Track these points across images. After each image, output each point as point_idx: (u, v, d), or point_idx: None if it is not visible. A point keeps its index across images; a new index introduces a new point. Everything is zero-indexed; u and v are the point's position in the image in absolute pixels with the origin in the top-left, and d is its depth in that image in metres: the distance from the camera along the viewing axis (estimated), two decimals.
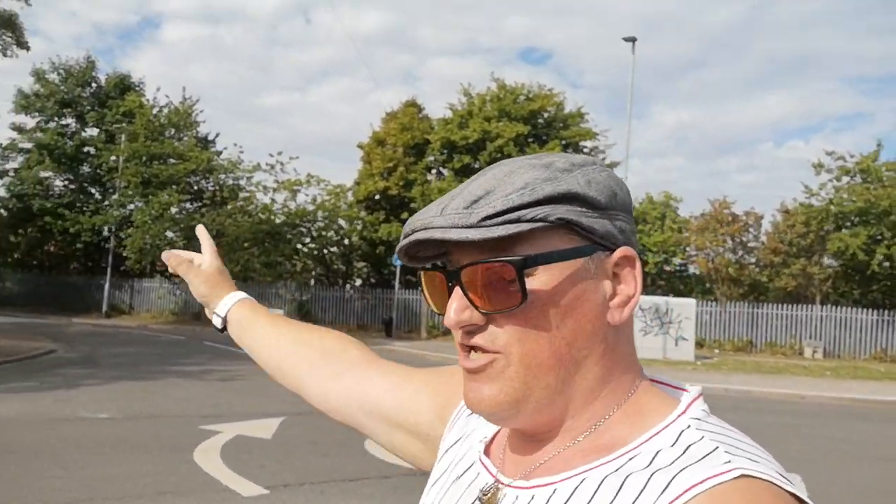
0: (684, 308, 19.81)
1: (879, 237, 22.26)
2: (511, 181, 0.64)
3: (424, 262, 0.71)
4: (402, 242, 0.67)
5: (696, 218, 25.40)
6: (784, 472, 0.58)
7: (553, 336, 0.64)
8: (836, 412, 11.96)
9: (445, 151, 25.62)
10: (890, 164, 22.51)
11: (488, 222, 0.61)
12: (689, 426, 0.63)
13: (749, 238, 23.75)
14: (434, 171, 25.50)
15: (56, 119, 31.84)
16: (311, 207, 29.00)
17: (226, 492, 5.65)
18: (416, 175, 25.64)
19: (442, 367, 0.96)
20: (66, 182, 32.41)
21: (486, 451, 0.77)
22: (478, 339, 0.65)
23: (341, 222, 28.18)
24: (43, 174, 31.19)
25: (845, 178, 23.27)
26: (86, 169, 32.59)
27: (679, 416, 0.65)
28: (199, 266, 1.22)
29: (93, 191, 32.87)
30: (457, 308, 0.64)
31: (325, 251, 29.12)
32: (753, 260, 24.21)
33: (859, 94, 73.90)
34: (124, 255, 30.00)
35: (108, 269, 30.05)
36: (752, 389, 13.86)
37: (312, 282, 31.32)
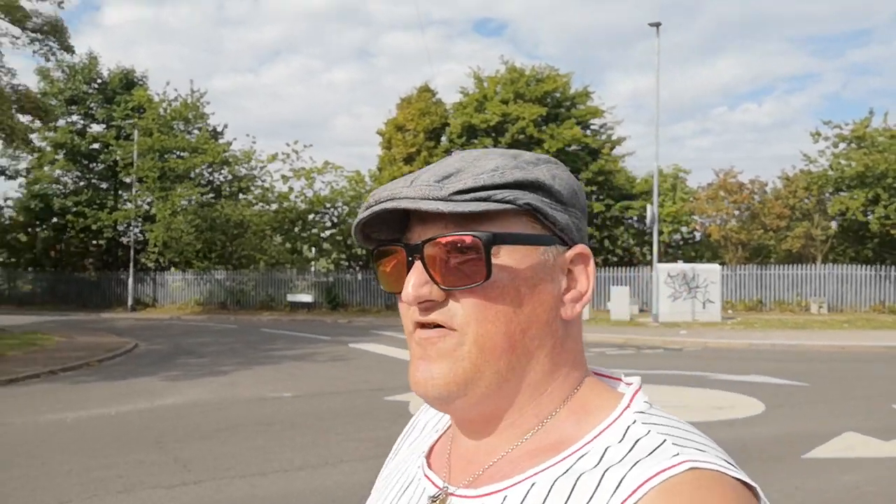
0: (710, 273, 21.40)
1: (875, 198, 24.12)
2: (480, 164, 0.65)
3: (377, 244, 0.70)
4: (365, 214, 0.66)
5: (704, 188, 26.98)
6: (729, 458, 0.59)
7: (510, 320, 0.64)
8: (879, 358, 13.58)
9: (464, 135, 26.60)
10: (882, 131, 24.31)
11: (458, 197, 0.62)
12: (634, 420, 0.64)
13: (755, 204, 25.40)
14: (454, 153, 26.49)
15: (64, 117, 31.85)
16: (325, 193, 29.83)
17: None
18: (438, 158, 26.63)
19: None
20: (81, 180, 32.55)
21: (428, 463, 0.76)
22: (435, 315, 0.64)
23: None
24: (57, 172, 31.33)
25: (842, 145, 25.03)
26: (98, 166, 32.76)
27: (623, 410, 0.65)
28: None
29: (105, 186, 33.06)
30: (415, 283, 0.64)
31: (346, 236, 29.99)
32: (760, 225, 25.90)
33: (808, 55, 76.61)
34: (148, 249, 30.50)
35: (132, 264, 30.49)
36: (799, 343, 15.46)
37: (334, 267, 32.26)
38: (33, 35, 18.82)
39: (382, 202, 0.64)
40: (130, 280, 30.58)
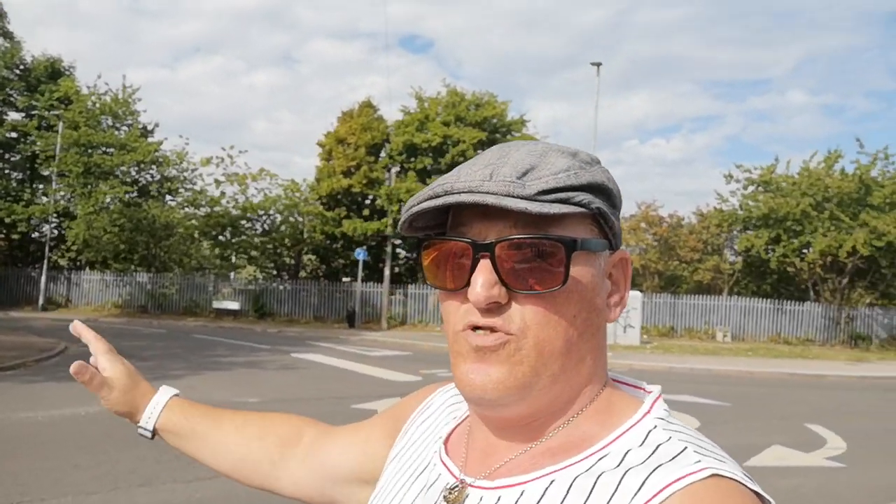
0: (632, 300, 22.80)
1: (777, 238, 26.42)
2: (551, 161, 0.64)
3: (416, 232, 0.68)
4: (435, 202, 0.62)
5: (626, 219, 28.69)
6: (746, 471, 0.60)
7: (570, 325, 0.64)
8: (783, 383, 15.08)
9: (405, 153, 27.21)
10: (786, 177, 26.73)
11: (542, 197, 0.60)
12: (655, 426, 0.64)
13: (672, 237, 27.28)
14: (395, 170, 27.03)
15: None
16: (257, 200, 29.62)
17: None
18: (377, 174, 27.08)
19: (390, 407, 0.94)
20: None
21: (446, 450, 0.76)
22: (496, 320, 0.63)
23: (297, 217, 29.06)
24: None
25: (751, 188, 27.32)
26: (14, 156, 31.15)
27: (644, 415, 0.66)
28: (108, 372, 1.08)
29: (20, 178, 31.45)
30: (485, 282, 0.61)
31: (277, 245, 29.85)
32: (675, 256, 27.80)
33: (712, 98, 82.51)
34: (65, 246, 29.25)
35: (45, 262, 29.13)
36: (713, 368, 16.87)
37: (260, 275, 31.92)
38: None
39: (457, 193, 0.61)
40: (43, 278, 29.18)
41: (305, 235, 29.38)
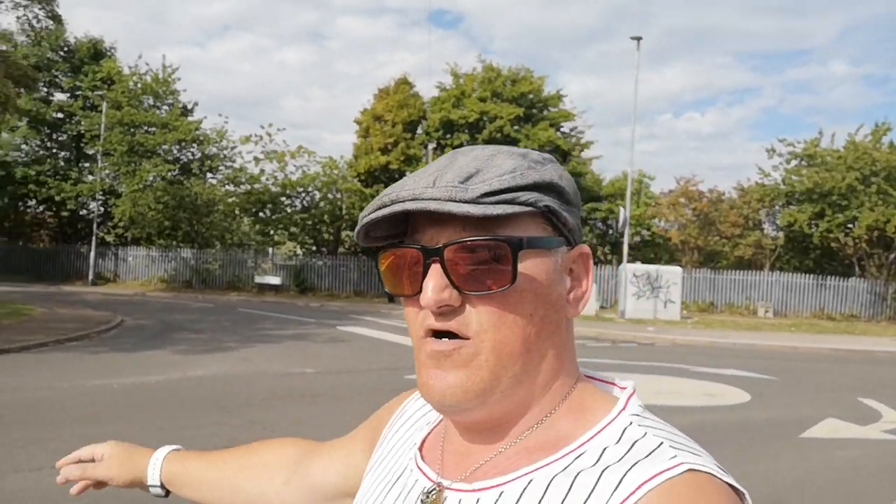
0: (672, 275, 22.74)
1: (821, 213, 25.96)
2: (497, 163, 0.64)
3: (376, 242, 0.68)
4: (383, 212, 0.63)
5: (665, 194, 28.42)
6: (719, 463, 0.61)
7: (526, 324, 0.64)
8: (827, 358, 14.98)
9: (441, 129, 27.24)
10: (830, 151, 26.16)
11: (486, 199, 0.61)
12: (630, 423, 0.65)
13: (712, 212, 26.99)
14: (432, 146, 27.12)
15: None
16: (296, 177, 30.00)
17: None
18: (415, 150, 27.21)
19: (370, 417, 0.95)
20: (42, 149, 31.71)
21: (421, 455, 0.76)
22: (451, 323, 0.63)
23: (336, 193, 29.39)
24: (16, 140, 30.47)
25: (794, 162, 26.81)
26: (61, 136, 31.97)
27: (620, 412, 0.66)
28: (101, 457, 1.12)
29: (67, 157, 32.28)
30: (435, 287, 0.62)
31: (317, 221, 30.25)
32: (716, 232, 27.52)
33: (749, 70, 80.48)
34: (114, 224, 30.05)
35: (94, 238, 29.99)
36: (756, 343, 16.80)
37: (299, 250, 32.44)
38: (17, 0, 18.49)
39: (402, 202, 0.63)
40: (92, 254, 30.07)
41: (344, 212, 29.71)
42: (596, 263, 28.80)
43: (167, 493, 1.11)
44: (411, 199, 0.62)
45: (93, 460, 1.13)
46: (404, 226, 0.68)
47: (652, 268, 23.11)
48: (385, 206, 0.64)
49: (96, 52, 32.28)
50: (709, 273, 27.25)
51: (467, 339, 0.64)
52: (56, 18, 18.78)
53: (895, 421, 7.95)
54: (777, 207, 27.15)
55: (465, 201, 0.61)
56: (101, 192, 30.65)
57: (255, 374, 9.58)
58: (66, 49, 31.91)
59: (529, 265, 0.64)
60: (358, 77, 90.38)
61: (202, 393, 8.06)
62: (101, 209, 31.61)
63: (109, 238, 32.46)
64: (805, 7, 77.95)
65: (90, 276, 30.04)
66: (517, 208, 0.62)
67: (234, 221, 30.74)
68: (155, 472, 1.10)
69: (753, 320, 24.12)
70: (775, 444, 6.61)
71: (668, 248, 28.74)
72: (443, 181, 0.62)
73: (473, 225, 0.63)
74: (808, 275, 27.03)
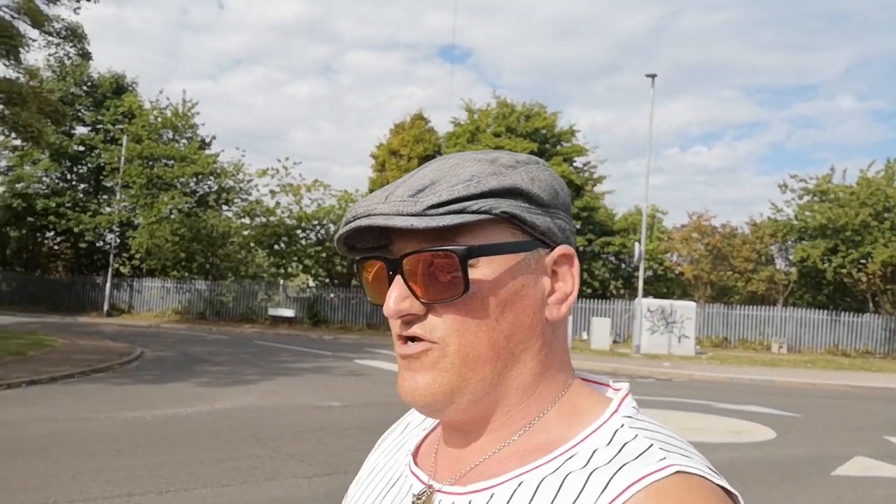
0: (686, 310, 22.77)
1: (834, 249, 26.03)
2: (456, 173, 0.65)
3: (363, 253, 0.71)
4: (343, 230, 0.66)
5: (677, 229, 28.56)
6: (712, 465, 0.61)
7: (492, 328, 0.65)
8: (846, 395, 14.93)
9: None
10: (843, 187, 26.33)
11: (433, 211, 0.62)
12: (622, 424, 0.65)
13: (725, 247, 27.10)
14: None
15: None
16: (311, 210, 30.34)
17: None
18: None
19: None
20: (62, 181, 32.27)
21: (415, 461, 0.77)
22: (416, 329, 0.65)
23: None
24: (38, 172, 31.04)
25: (806, 198, 26.98)
26: (81, 168, 32.54)
27: (612, 414, 0.66)
28: None
29: (87, 189, 32.80)
30: (397, 297, 0.64)
31: (331, 254, 30.48)
32: (729, 267, 27.60)
33: (756, 104, 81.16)
34: (130, 255, 30.38)
35: (110, 269, 30.32)
36: (774, 379, 16.77)
37: (311, 282, 32.63)
38: (50, 39, 19.05)
39: (359, 218, 0.65)
40: (108, 285, 30.36)
41: None
42: (608, 297, 29.18)
43: None
44: (365, 216, 0.64)
45: None
46: (387, 238, 0.69)
47: (666, 302, 23.15)
48: (349, 221, 0.66)
49: (118, 87, 33.04)
50: (722, 308, 27.25)
51: (434, 343, 0.65)
52: (86, 56, 19.29)
53: None
54: (790, 243, 27.24)
55: (412, 214, 0.62)
56: (118, 224, 31.08)
57: (284, 407, 9.68)
58: (89, 84, 32.67)
59: (488, 271, 0.65)
60: (368, 110, 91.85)
61: (234, 425, 8.17)
62: (118, 241, 32.01)
63: (124, 269, 32.80)
64: (812, 42, 78.99)
65: (105, 308, 30.29)
66: (467, 217, 0.63)
67: (250, 254, 31.04)
68: None
69: (768, 356, 24.04)
70: (808, 482, 6.65)
71: (681, 283, 28.80)
72: (394, 196, 0.64)
73: (433, 237, 0.64)
74: (821, 310, 26.98)
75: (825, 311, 26.80)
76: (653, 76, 22.15)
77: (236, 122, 71.91)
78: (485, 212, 0.64)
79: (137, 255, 29.88)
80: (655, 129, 74.66)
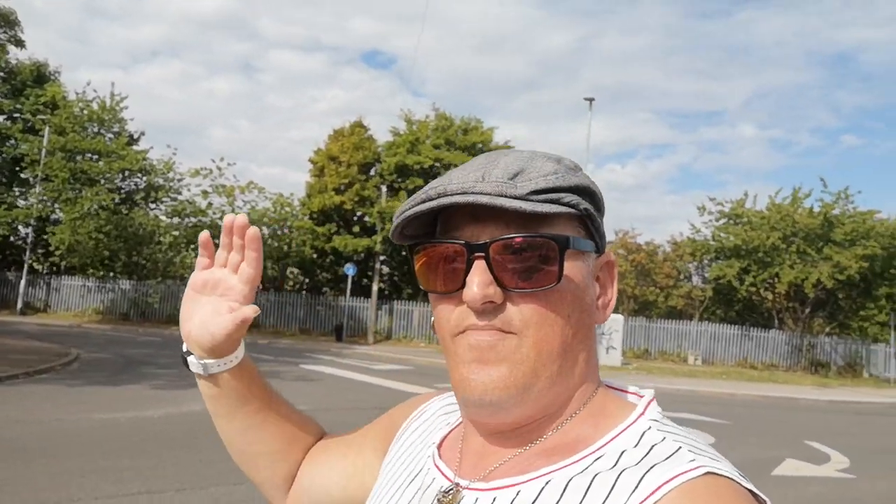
0: (614, 323, 23.96)
1: (747, 268, 28.02)
2: (538, 165, 0.64)
3: (406, 240, 0.68)
4: (429, 205, 0.62)
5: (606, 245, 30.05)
6: (741, 471, 0.61)
7: (565, 324, 0.64)
8: (760, 404, 16.27)
9: (395, 173, 28.01)
10: (754, 212, 28.40)
11: (535, 197, 0.61)
12: (649, 427, 0.65)
13: (649, 264, 28.68)
14: (385, 188, 27.77)
15: None
16: (243, 212, 29.90)
17: None
18: (369, 192, 27.76)
19: (379, 418, 0.94)
20: None
21: (439, 455, 0.76)
22: (495, 320, 0.63)
23: (286, 230, 29.48)
24: None
25: (722, 220, 28.94)
26: None
27: (638, 417, 0.67)
28: (230, 293, 0.85)
29: (3, 181, 31.05)
30: (480, 283, 0.62)
31: (264, 258, 30.14)
32: (651, 282, 29.19)
33: (668, 127, 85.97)
34: (48, 251, 28.99)
35: (26, 266, 28.85)
36: (697, 389, 18.00)
37: None
38: None
39: (451, 195, 0.62)
40: (23, 282, 28.84)
41: (292, 249, 29.77)
42: None
43: (209, 374, 0.89)
44: (460, 193, 0.62)
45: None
46: (433, 225, 0.68)
47: None
48: (431, 198, 0.63)
49: (39, 76, 31.46)
50: (644, 321, 28.76)
51: (510, 333, 0.63)
52: (19, 43, 18.48)
53: (842, 461, 8.98)
54: (706, 261, 29.18)
55: (516, 197, 0.61)
56: (35, 219, 29.60)
57: None
58: (6, 70, 30.96)
59: (570, 266, 0.64)
60: (289, 111, 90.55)
61: (211, 427, 8.21)
62: (33, 236, 30.46)
63: (38, 266, 31.22)
64: (721, 72, 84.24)
65: (19, 305, 28.75)
66: (561, 208, 0.63)
67: (179, 254, 30.23)
68: (236, 358, 0.88)
69: (686, 367, 25.60)
70: (756, 482, 7.43)
71: None
72: (492, 176, 0.62)
73: (517, 223, 0.63)
74: (732, 325, 28.94)
75: (736, 327, 28.76)
76: (590, 100, 23.32)
77: (150, 114, 69.32)
78: (573, 206, 0.64)
79: (58, 252, 28.54)
80: (572, 146, 77.44)
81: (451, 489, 0.69)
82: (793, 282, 25.86)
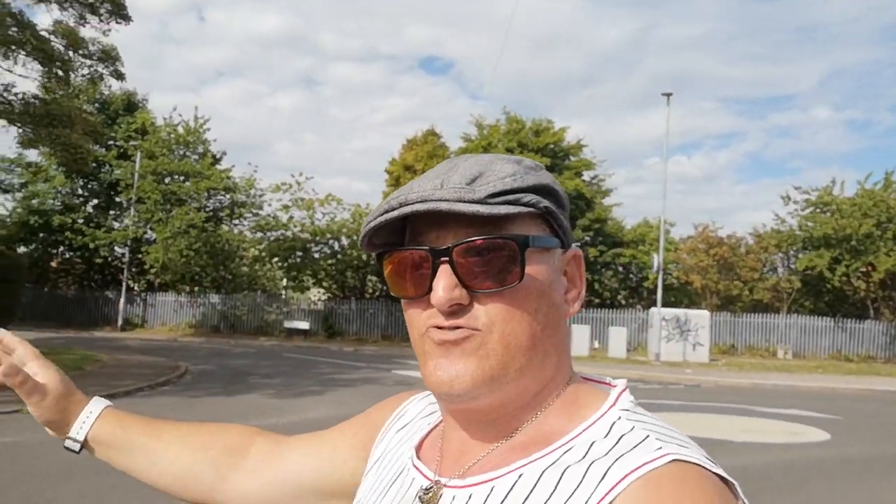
0: (700, 319, 23.57)
1: (838, 258, 27.02)
2: (497, 168, 0.67)
3: (375, 248, 0.70)
4: (391, 215, 0.65)
5: (685, 240, 29.46)
6: (708, 455, 0.61)
7: (532, 319, 0.66)
8: (866, 398, 15.72)
9: None
10: (845, 199, 27.37)
11: (492, 200, 0.63)
12: (619, 417, 0.66)
13: (732, 257, 28.02)
14: None
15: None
16: (322, 224, 30.86)
17: None
18: None
19: (355, 417, 0.94)
20: (76, 197, 32.48)
21: (417, 455, 0.77)
22: (461, 320, 0.65)
23: None
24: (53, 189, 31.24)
25: (809, 209, 28.01)
26: (94, 185, 32.79)
27: (610, 407, 0.68)
28: (39, 383, 0.95)
29: (100, 205, 33.03)
30: (446, 286, 0.64)
31: (345, 267, 30.98)
32: (735, 276, 28.50)
33: (734, 115, 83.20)
34: (144, 269, 30.65)
35: (124, 284, 30.56)
36: (795, 384, 17.54)
37: (325, 296, 33.06)
38: (83, 61, 19.46)
39: (411, 204, 0.64)
40: (122, 300, 30.57)
41: (371, 258, 30.46)
42: (618, 307, 29.91)
43: (81, 449, 0.99)
44: (421, 202, 0.64)
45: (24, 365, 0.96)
46: (402, 233, 0.70)
47: (681, 312, 23.95)
48: (393, 208, 0.65)
49: (129, 104, 33.35)
50: (729, 316, 28.11)
51: (476, 330, 0.66)
52: (120, 76, 19.68)
53: None
54: (792, 252, 28.29)
55: (474, 201, 0.63)
56: (131, 240, 31.34)
57: None
58: (101, 101, 32.93)
59: (533, 264, 0.67)
60: (350, 122, 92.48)
61: None
62: (129, 256, 32.26)
63: (134, 284, 33.00)
64: (787, 54, 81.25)
65: (119, 322, 30.47)
66: (521, 209, 0.65)
67: (263, 267, 31.44)
68: (84, 427, 0.97)
69: (776, 362, 24.88)
70: (887, 478, 7.32)
71: (688, 293, 29.64)
72: (450, 183, 0.65)
73: (479, 225, 0.65)
74: (823, 317, 27.94)
75: (828, 318, 27.75)
76: (668, 94, 23.03)
77: (218, 133, 72.39)
78: (532, 205, 0.66)
79: (152, 270, 30.14)
80: (635, 139, 75.89)
81: (431, 487, 0.71)
82: (890, 269, 24.79)
